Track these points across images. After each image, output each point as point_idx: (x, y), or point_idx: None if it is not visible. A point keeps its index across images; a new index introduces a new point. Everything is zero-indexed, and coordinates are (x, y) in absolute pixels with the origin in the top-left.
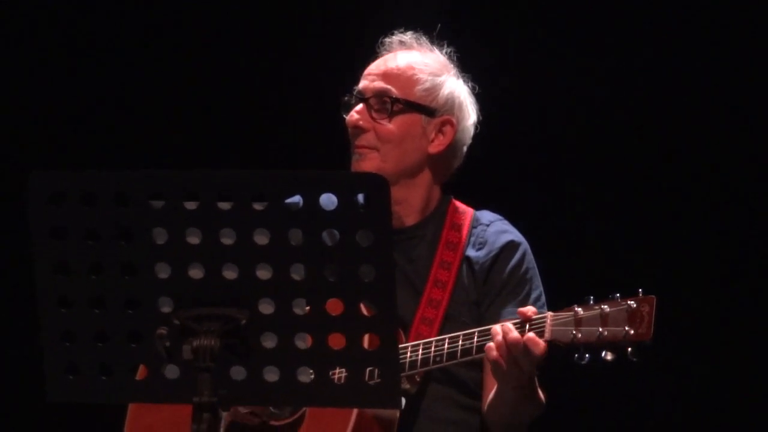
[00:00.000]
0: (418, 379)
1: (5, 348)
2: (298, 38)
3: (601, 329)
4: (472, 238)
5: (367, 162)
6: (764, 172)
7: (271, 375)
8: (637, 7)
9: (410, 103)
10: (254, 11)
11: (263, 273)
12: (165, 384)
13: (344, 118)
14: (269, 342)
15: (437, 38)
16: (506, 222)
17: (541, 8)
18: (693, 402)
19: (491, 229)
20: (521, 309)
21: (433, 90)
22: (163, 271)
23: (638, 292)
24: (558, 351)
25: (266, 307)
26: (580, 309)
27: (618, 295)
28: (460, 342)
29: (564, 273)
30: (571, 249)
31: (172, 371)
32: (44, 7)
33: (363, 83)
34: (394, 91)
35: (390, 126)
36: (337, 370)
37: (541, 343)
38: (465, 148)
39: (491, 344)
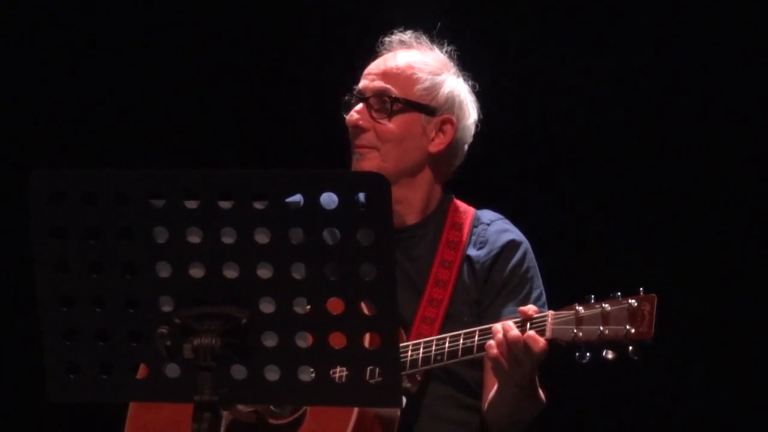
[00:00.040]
0: (419, 378)
1: (5, 347)
2: (298, 38)
3: (602, 328)
4: (473, 237)
5: (368, 161)
6: (764, 172)
7: (272, 374)
8: (637, 7)
9: (410, 103)
10: (254, 11)
11: (264, 272)
12: (166, 383)
13: (344, 118)
14: (270, 341)
15: (437, 37)
16: (507, 221)
17: (542, 7)
18: (694, 401)
19: (492, 229)
20: (522, 308)
21: (433, 89)
22: (164, 270)
23: (639, 290)
24: (559, 350)
25: (267, 306)
26: (581, 308)
27: (619, 293)
28: (461, 341)
29: (565, 272)
30: (572, 248)
31: (172, 370)
32: (44, 7)
33: (363, 83)
34: (394, 90)
35: (390, 125)
36: (338, 369)
37: (541, 340)
38: (466, 147)
39: (491, 342)
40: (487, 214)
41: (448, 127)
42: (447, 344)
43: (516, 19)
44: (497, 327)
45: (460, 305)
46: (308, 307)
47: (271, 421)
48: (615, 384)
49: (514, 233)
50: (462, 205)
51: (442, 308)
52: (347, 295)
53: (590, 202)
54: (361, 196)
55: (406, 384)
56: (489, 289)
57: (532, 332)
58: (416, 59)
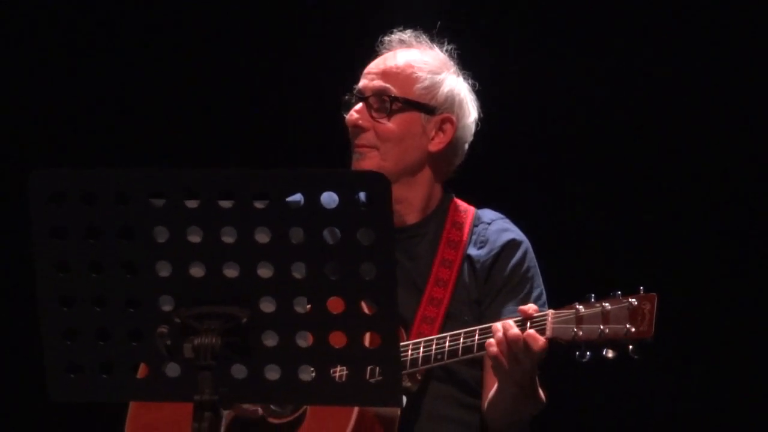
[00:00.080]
0: (419, 378)
1: (6, 347)
2: (298, 38)
3: (602, 327)
4: (474, 237)
5: (367, 161)
6: (764, 172)
7: (272, 373)
8: (637, 8)
9: (409, 102)
10: (254, 11)
11: (264, 271)
12: (166, 382)
13: (344, 117)
14: (270, 340)
15: (437, 36)
16: (507, 220)
17: (542, 7)
18: (694, 400)
19: (492, 228)
20: (522, 307)
21: (433, 88)
22: (164, 270)
23: (639, 289)
24: (559, 349)
25: (267, 306)
26: (581, 307)
27: (619, 292)
28: (461, 340)
29: (565, 271)
30: (573, 247)
31: (173, 369)
32: (44, 8)
33: (362, 82)
34: (394, 89)
35: (389, 125)
36: (338, 369)
37: (541, 339)
38: (466, 146)
39: (491, 340)
40: (487, 214)
41: (447, 126)
42: (447, 343)
43: (516, 18)
44: (497, 326)
45: (461, 305)
46: (308, 306)
47: (272, 420)
48: (615, 383)
49: (515, 232)
50: (462, 205)
51: (442, 307)
52: (347, 294)
53: (590, 201)
54: (362, 195)
55: (407, 383)
56: (489, 288)
57: (532, 331)
58: (416, 58)
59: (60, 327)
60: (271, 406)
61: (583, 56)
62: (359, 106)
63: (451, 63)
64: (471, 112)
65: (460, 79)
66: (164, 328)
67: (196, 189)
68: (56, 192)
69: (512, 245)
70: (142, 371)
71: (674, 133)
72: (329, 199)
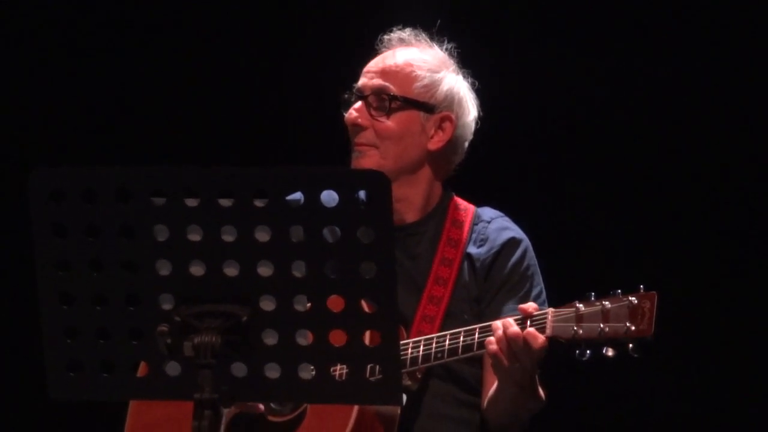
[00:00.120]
0: (419, 376)
1: (6, 345)
2: (298, 37)
3: (602, 325)
4: (474, 235)
5: (367, 159)
6: (764, 171)
7: (272, 372)
8: (637, 7)
9: (408, 100)
10: (254, 10)
11: (264, 270)
12: (166, 381)
13: (344, 116)
14: (270, 339)
15: (437, 35)
16: (507, 219)
17: (542, 5)
18: (694, 398)
19: (492, 226)
20: (522, 306)
21: (432, 86)
22: (164, 268)
23: (639, 288)
24: (559, 347)
25: (267, 304)
26: (581, 305)
27: (619, 291)
28: (461, 338)
29: (565, 269)
30: (573, 245)
31: (173, 368)
32: (44, 7)
33: (362, 81)
34: (393, 88)
35: (389, 123)
36: (338, 367)
37: (541, 337)
38: (466, 144)
39: (491, 338)
40: (487, 212)
41: (447, 125)
42: (447, 342)
43: (517, 16)
44: (497, 324)
45: (461, 303)
46: (309, 304)
47: (272, 418)
48: (615, 381)
49: (515, 231)
50: (462, 203)
51: (442, 306)
52: (347, 292)
53: (591, 199)
54: (362, 193)
55: (407, 382)
56: (489, 286)
57: (532, 329)
58: (415, 57)
59: (60, 325)
60: (271, 405)
61: (583, 55)
62: (358, 104)
63: (451, 61)
64: (471, 110)
65: (460, 77)
66: (164, 327)
67: (196, 187)
68: (56, 190)
69: (512, 243)
70: (142, 370)
71: (674, 129)
72: (329, 197)
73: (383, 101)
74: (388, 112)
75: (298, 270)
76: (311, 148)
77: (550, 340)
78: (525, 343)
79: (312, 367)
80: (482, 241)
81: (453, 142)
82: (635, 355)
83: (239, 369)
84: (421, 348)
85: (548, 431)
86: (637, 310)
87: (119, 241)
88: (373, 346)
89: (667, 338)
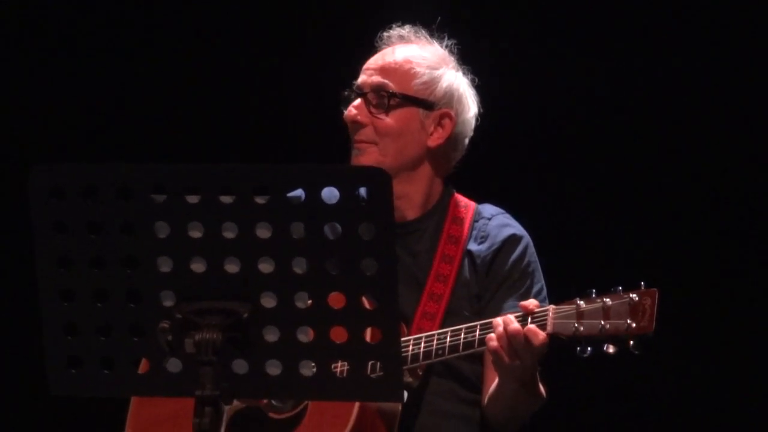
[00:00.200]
0: (420, 373)
1: (7, 342)
2: (299, 33)
3: (603, 322)
4: (474, 232)
5: (366, 156)
6: (764, 169)
7: (273, 368)
8: (637, 7)
9: (408, 97)
10: (254, 7)
11: (265, 266)
12: (167, 378)
13: (344, 113)
14: (271, 335)
15: (437, 31)
16: (508, 216)
17: (543, 3)
18: (694, 395)
19: (493, 223)
20: (523, 302)
21: (431, 83)
22: (165, 265)
23: (640, 285)
24: (560, 344)
25: (268, 301)
26: (582, 302)
27: (620, 288)
28: (462, 335)
29: (566, 266)
30: (574, 242)
31: (174, 365)
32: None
33: (361, 78)
34: (392, 85)
35: (388, 120)
36: (339, 364)
37: (542, 334)
38: (466, 141)
39: (492, 335)
40: (488, 209)
41: (446, 122)
42: (448, 338)
43: (517, 12)
44: (498, 321)
45: (461, 300)
46: (309, 301)
47: (272, 415)
48: (616, 378)
49: (515, 228)
50: (463, 200)
51: (443, 303)
52: (348, 289)
53: (591, 196)
54: (362, 190)
55: (408, 378)
56: (490, 283)
57: (532, 326)
58: (414, 54)
59: (61, 322)
60: (272, 402)
61: (584, 51)
62: (358, 101)
63: (451, 58)
64: (471, 107)
65: (460, 74)
66: (165, 324)
67: (196, 184)
68: (57, 187)
69: (513, 240)
70: (143, 366)
71: (675, 125)
72: (330, 194)
73: (382, 98)
74: (388, 109)
75: (299, 267)
76: (311, 146)
77: (551, 337)
78: (526, 340)
79: (313, 364)
80: (483, 238)
81: (453, 139)
82: (636, 352)
83: (240, 366)
84: (422, 345)
85: (549, 428)
86: (638, 307)
87: (120, 238)
88: (374, 343)
89: (668, 335)
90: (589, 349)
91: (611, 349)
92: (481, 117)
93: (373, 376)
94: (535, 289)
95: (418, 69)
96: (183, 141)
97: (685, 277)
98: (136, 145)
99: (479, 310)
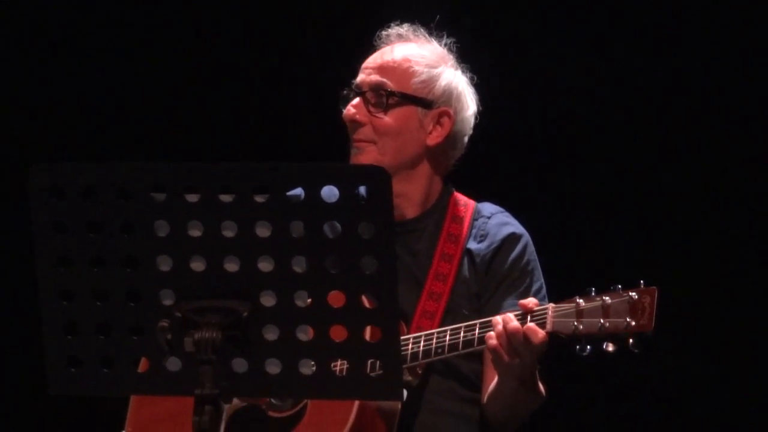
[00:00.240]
0: (419, 371)
1: (7, 341)
2: (299, 32)
3: (602, 320)
4: (474, 231)
5: (365, 155)
6: (763, 167)
7: (273, 367)
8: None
9: (406, 96)
10: (254, 6)
11: (265, 265)
12: (167, 376)
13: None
14: (271, 334)
15: (436, 30)
16: (508, 214)
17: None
18: (694, 394)
19: (493, 222)
20: (522, 301)
21: (430, 82)
22: (165, 264)
23: (640, 283)
24: (559, 342)
25: (268, 300)
26: (581, 300)
27: (619, 286)
28: (462, 333)
29: (565, 264)
30: (573, 240)
31: (173, 364)
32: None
33: (360, 77)
34: (390, 84)
35: (387, 119)
36: (339, 362)
37: (541, 332)
38: (466, 139)
39: (491, 333)
40: (487, 207)
41: (445, 120)
42: (447, 337)
43: (516, 11)
44: (497, 319)
45: (461, 299)
46: (309, 300)
47: (272, 414)
48: (615, 377)
49: (515, 226)
50: (462, 198)
51: (442, 302)
52: (348, 288)
53: (591, 194)
54: (362, 189)
55: (407, 377)
56: (489, 282)
57: (532, 324)
58: (413, 52)
59: (61, 321)
60: (272, 400)
61: (584, 49)
62: (356, 100)
63: (450, 56)
64: (469, 105)
65: (459, 72)
66: (165, 323)
67: (196, 183)
68: (56, 186)
69: (512, 239)
70: (142, 365)
71: (675, 124)
72: (329, 193)
73: (381, 97)
74: (386, 108)
75: (299, 265)
76: (311, 145)
77: (551, 335)
78: (525, 338)
79: (312, 363)
80: (482, 237)
81: (452, 138)
82: (635, 351)
83: (240, 364)
84: (422, 343)
85: (548, 426)
86: (638, 306)
87: (119, 237)
88: (373, 342)
89: (667, 334)
90: (588, 347)
91: (611, 348)
92: (480, 115)
93: (372, 374)
94: (535, 287)
95: (416, 68)
96: (183, 141)
97: (684, 276)
98: (136, 145)
99: (479, 309)
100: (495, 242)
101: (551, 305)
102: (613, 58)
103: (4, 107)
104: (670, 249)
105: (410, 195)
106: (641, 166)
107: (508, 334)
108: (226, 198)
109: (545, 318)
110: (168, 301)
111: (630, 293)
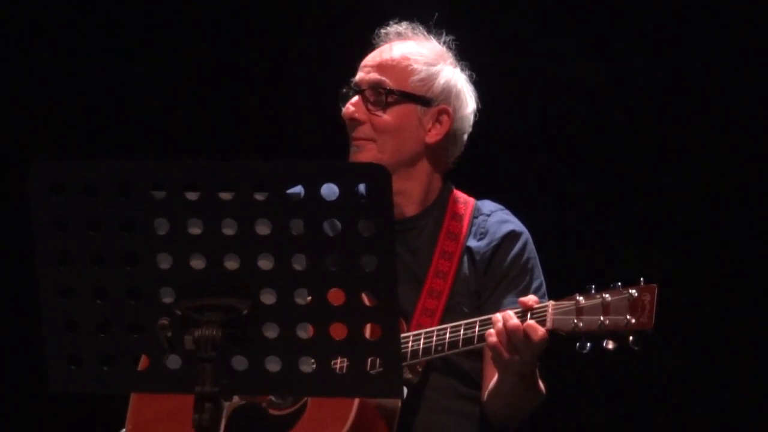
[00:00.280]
0: (419, 369)
1: (7, 338)
2: (299, 30)
3: (602, 318)
4: (474, 228)
5: (365, 153)
6: (763, 165)
7: (273, 365)
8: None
9: (405, 94)
10: (254, 6)
11: (265, 263)
12: (167, 374)
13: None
14: (271, 332)
15: (435, 27)
16: (507, 212)
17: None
18: (694, 392)
19: (492, 219)
20: (522, 298)
21: (429, 80)
22: (165, 262)
23: (640, 281)
24: (559, 340)
25: (268, 297)
26: (581, 298)
27: (619, 284)
28: (462, 331)
29: (565, 262)
30: (573, 238)
31: (173, 361)
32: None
33: (359, 75)
34: (389, 82)
35: (386, 117)
36: (339, 360)
37: (541, 329)
38: (465, 137)
39: (491, 331)
40: (487, 205)
41: (444, 118)
42: (447, 335)
43: (516, 8)
44: (497, 317)
45: (461, 296)
46: (309, 298)
47: (272, 411)
48: (615, 374)
49: (515, 224)
50: (462, 196)
51: (442, 299)
52: (348, 285)
53: (591, 192)
54: (362, 187)
55: (407, 375)
56: (489, 279)
57: (532, 322)
58: (412, 50)
59: (61, 319)
60: (272, 398)
61: (584, 48)
62: (355, 99)
63: (449, 54)
64: (469, 103)
65: (458, 70)
66: (165, 320)
67: (196, 181)
68: (56, 184)
69: (512, 236)
70: (143, 363)
71: (675, 122)
72: (329, 190)
73: (380, 95)
74: (385, 106)
75: (299, 263)
76: (310, 143)
77: (551, 332)
78: (525, 335)
79: (312, 361)
80: (482, 234)
81: (451, 135)
82: (635, 348)
83: (240, 362)
84: (422, 341)
85: (548, 424)
86: (638, 303)
87: (119, 235)
88: (373, 339)
89: (667, 331)
90: (588, 345)
91: (610, 345)
92: (480, 113)
93: (372, 372)
94: (535, 285)
95: (415, 66)
96: (183, 139)
97: (684, 273)
98: (135, 144)
99: (479, 307)
100: (495, 240)
101: (551, 303)
102: (613, 57)
103: (4, 107)
104: (669, 247)
105: (410, 193)
106: (641, 164)
107: (508, 332)
108: (226, 196)
109: (545, 315)
110: (168, 299)
111: (630, 291)
